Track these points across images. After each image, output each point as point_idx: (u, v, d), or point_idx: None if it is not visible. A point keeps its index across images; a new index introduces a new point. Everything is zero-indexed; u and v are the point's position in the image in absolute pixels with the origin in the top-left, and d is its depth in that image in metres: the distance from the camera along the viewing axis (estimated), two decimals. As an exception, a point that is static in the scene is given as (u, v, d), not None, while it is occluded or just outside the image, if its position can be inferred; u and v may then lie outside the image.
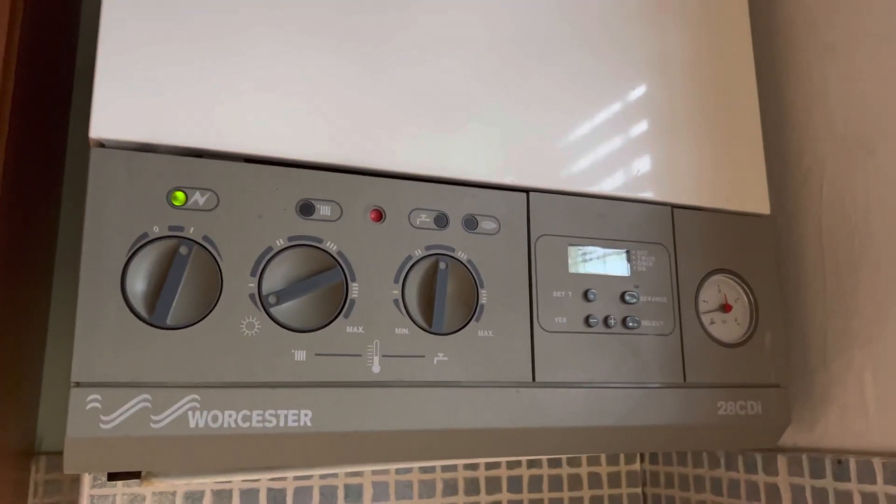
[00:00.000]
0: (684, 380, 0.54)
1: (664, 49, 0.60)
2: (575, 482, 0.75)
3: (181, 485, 0.60)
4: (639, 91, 0.58)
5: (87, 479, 0.59)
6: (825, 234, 0.62)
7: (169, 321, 0.42)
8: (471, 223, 0.50)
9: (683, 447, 0.57)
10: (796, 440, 0.63)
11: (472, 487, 0.72)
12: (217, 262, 0.44)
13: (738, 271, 0.58)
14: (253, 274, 0.44)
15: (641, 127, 0.57)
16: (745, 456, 0.65)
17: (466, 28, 0.53)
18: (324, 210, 0.47)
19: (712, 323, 0.57)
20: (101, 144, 0.43)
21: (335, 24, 0.49)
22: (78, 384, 0.40)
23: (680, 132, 0.59)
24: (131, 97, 0.44)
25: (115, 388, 0.40)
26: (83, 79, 0.69)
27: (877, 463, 0.53)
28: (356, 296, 0.46)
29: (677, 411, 0.54)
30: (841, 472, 0.56)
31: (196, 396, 0.42)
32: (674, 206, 0.57)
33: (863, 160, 0.60)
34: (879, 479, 0.53)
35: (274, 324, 0.44)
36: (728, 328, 0.57)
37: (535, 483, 0.74)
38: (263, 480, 0.64)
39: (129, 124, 0.43)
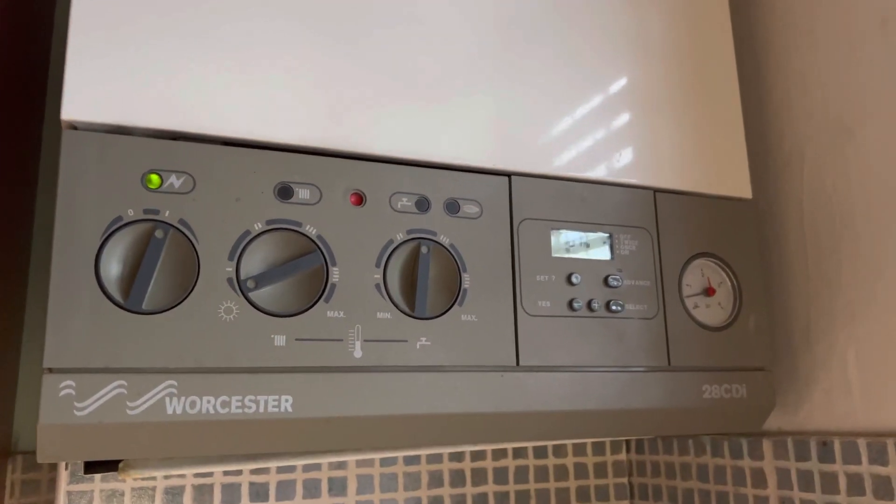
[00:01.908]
0: (669, 363, 0.54)
1: (646, 34, 0.59)
2: (561, 472, 0.75)
3: (160, 477, 0.59)
4: (621, 76, 0.58)
5: (63, 475, 0.58)
6: (807, 216, 0.62)
7: (144, 306, 0.41)
8: (453, 207, 0.50)
9: (669, 432, 0.56)
10: (781, 424, 0.62)
11: (457, 479, 0.71)
12: (194, 245, 0.43)
13: (721, 255, 0.58)
14: (231, 258, 0.44)
15: (624, 111, 0.57)
16: (731, 442, 0.65)
17: (449, 10, 0.53)
18: (303, 193, 0.46)
19: (696, 307, 0.57)
20: (74, 126, 0.43)
21: (314, 3, 0.49)
22: (51, 370, 0.39)
23: (662, 116, 0.58)
24: (104, 78, 0.43)
25: (90, 374, 0.40)
26: (59, 62, 0.68)
27: (861, 443, 0.53)
28: (337, 280, 0.46)
29: (662, 395, 0.53)
30: (826, 454, 0.56)
31: (173, 382, 0.41)
32: (656, 191, 0.57)
33: (843, 143, 0.60)
34: (864, 459, 0.53)
35: (253, 308, 0.43)
36: (712, 312, 0.57)
37: (521, 474, 0.73)
38: (245, 474, 0.63)
39: (103, 106, 0.43)
